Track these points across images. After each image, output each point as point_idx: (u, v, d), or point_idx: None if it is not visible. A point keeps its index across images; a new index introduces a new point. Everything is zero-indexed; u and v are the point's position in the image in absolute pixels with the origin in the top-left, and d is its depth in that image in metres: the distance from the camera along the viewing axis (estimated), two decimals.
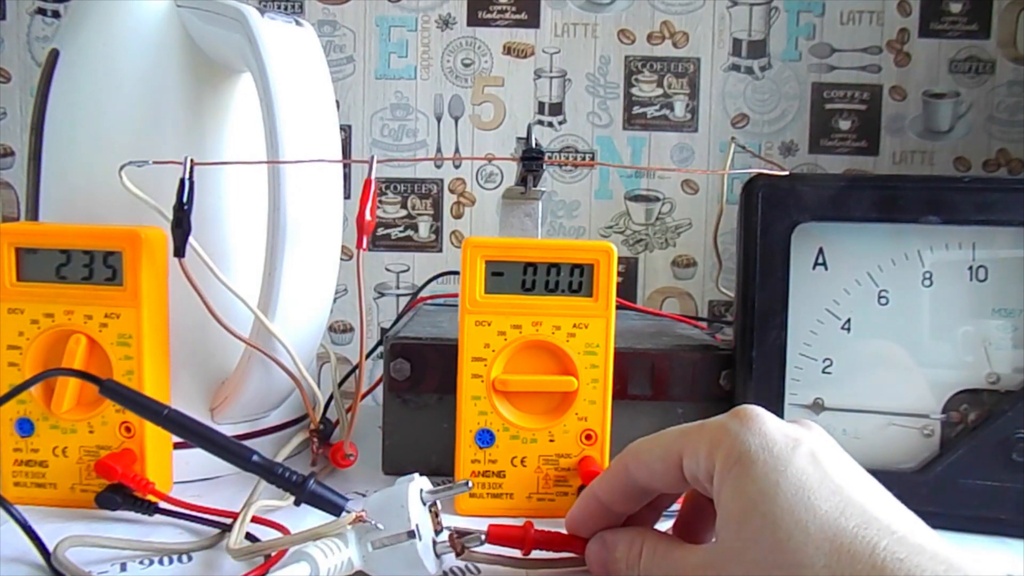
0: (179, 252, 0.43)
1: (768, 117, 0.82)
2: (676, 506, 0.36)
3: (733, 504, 0.29)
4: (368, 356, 0.76)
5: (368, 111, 0.82)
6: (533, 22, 0.82)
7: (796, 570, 0.26)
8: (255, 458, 0.37)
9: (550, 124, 0.83)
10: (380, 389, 0.51)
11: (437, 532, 0.35)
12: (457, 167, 0.83)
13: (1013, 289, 0.44)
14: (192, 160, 0.43)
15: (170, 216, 0.43)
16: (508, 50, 0.82)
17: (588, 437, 0.44)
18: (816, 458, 0.29)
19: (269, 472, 0.37)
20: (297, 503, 0.36)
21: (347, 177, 0.75)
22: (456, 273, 0.54)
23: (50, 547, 0.36)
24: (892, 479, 0.31)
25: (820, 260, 0.46)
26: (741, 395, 0.46)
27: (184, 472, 0.47)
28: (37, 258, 0.44)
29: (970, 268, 0.44)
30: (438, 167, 0.83)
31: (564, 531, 0.37)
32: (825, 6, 0.81)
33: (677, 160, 0.82)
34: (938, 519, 0.30)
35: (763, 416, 0.31)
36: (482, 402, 0.43)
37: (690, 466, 0.31)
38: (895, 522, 0.26)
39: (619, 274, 0.82)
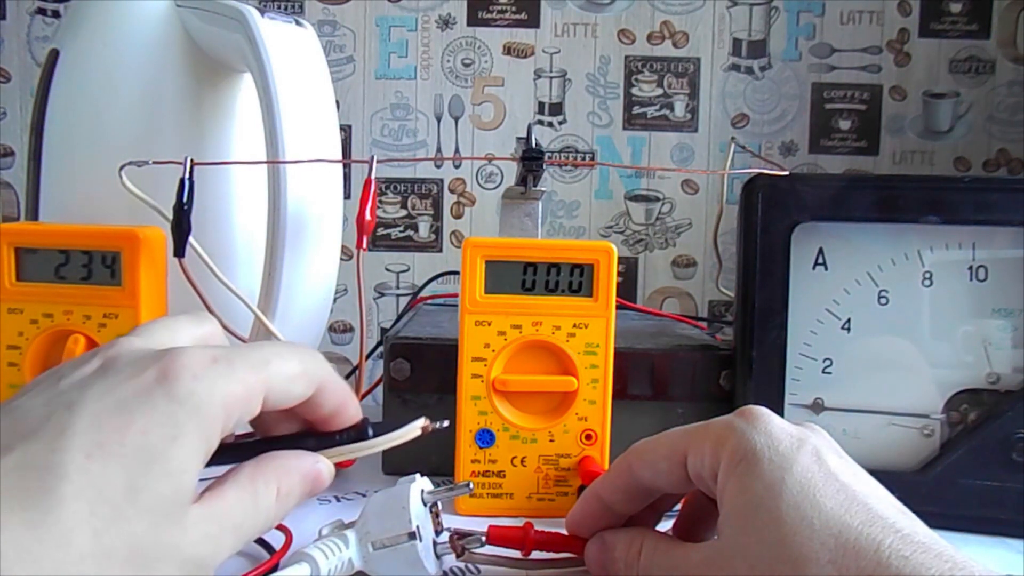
0: (179, 252, 0.43)
1: (768, 117, 0.82)
2: (675, 509, 0.36)
3: (738, 500, 0.29)
4: (368, 356, 0.76)
5: (368, 111, 0.82)
6: (533, 22, 0.82)
7: (800, 565, 0.26)
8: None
9: (550, 124, 0.83)
10: (380, 389, 0.51)
11: (438, 532, 0.35)
12: (457, 167, 0.83)
13: (1013, 289, 0.44)
14: (192, 160, 0.43)
15: (170, 216, 0.43)
16: (508, 50, 0.82)
17: (588, 437, 0.44)
18: (820, 457, 0.29)
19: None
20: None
21: (347, 177, 0.75)
22: (456, 273, 0.54)
23: None
24: (892, 479, 0.31)
25: (820, 260, 0.46)
26: (741, 395, 0.46)
27: None
28: (36, 258, 0.44)
29: (970, 268, 0.44)
30: (438, 167, 0.83)
31: (564, 531, 0.37)
32: (825, 6, 0.81)
33: (677, 160, 0.83)
34: (938, 519, 0.30)
35: (768, 416, 0.31)
36: (482, 402, 0.43)
37: (695, 464, 0.31)
38: (899, 521, 0.26)
39: (619, 274, 0.82)
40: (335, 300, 0.53)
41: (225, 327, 0.44)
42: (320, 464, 0.31)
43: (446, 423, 0.36)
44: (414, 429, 0.34)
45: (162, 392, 0.26)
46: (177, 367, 0.26)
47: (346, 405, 0.32)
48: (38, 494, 0.23)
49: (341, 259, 0.51)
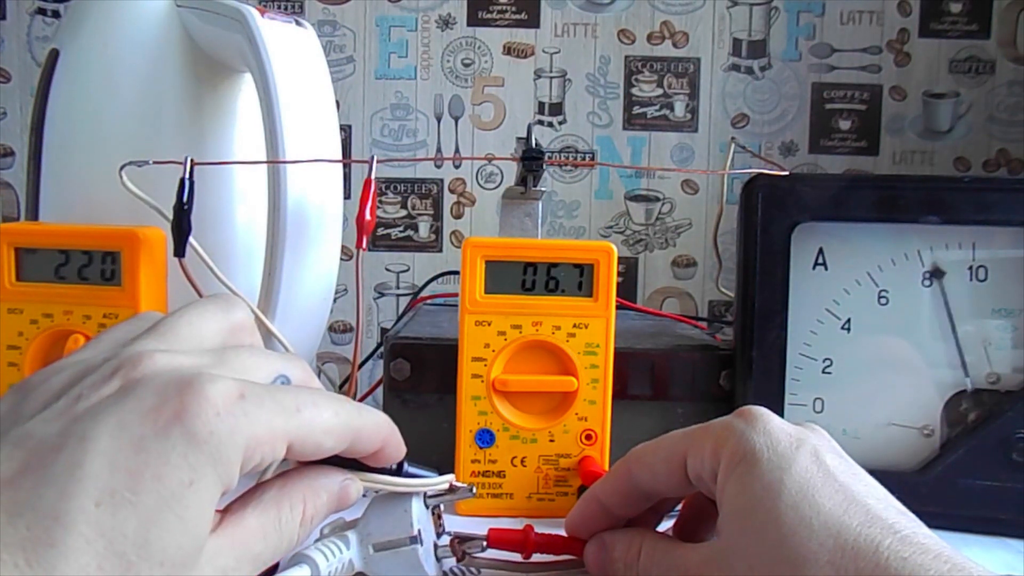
0: (179, 252, 0.43)
1: (768, 117, 0.82)
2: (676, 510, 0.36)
3: (737, 501, 0.29)
4: (369, 357, 0.76)
5: (368, 111, 0.82)
6: (533, 22, 0.82)
7: (799, 566, 0.26)
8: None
9: (550, 124, 0.83)
10: (380, 389, 0.51)
11: (439, 535, 0.35)
12: (457, 167, 0.83)
13: (1013, 289, 0.44)
14: (192, 160, 0.43)
15: (170, 216, 0.43)
16: (508, 50, 0.82)
17: (588, 437, 0.44)
18: (819, 457, 0.29)
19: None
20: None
21: (347, 177, 0.75)
22: (456, 273, 0.54)
23: None
24: (892, 479, 0.31)
25: (820, 260, 0.46)
26: (741, 395, 0.46)
27: None
28: (36, 258, 0.44)
29: (970, 268, 0.44)
30: (438, 167, 0.83)
31: (564, 532, 0.37)
32: (825, 6, 0.81)
33: (677, 160, 0.83)
34: (938, 519, 0.30)
35: (768, 416, 0.31)
36: (482, 402, 0.43)
37: (694, 465, 0.31)
38: (898, 522, 0.26)
39: (619, 274, 0.82)
40: (335, 300, 0.53)
41: None
42: (348, 481, 0.30)
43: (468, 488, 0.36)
44: (444, 481, 0.34)
45: (181, 431, 0.24)
46: (200, 402, 0.24)
47: (385, 448, 0.31)
48: (43, 547, 0.21)
49: (341, 259, 0.51)
